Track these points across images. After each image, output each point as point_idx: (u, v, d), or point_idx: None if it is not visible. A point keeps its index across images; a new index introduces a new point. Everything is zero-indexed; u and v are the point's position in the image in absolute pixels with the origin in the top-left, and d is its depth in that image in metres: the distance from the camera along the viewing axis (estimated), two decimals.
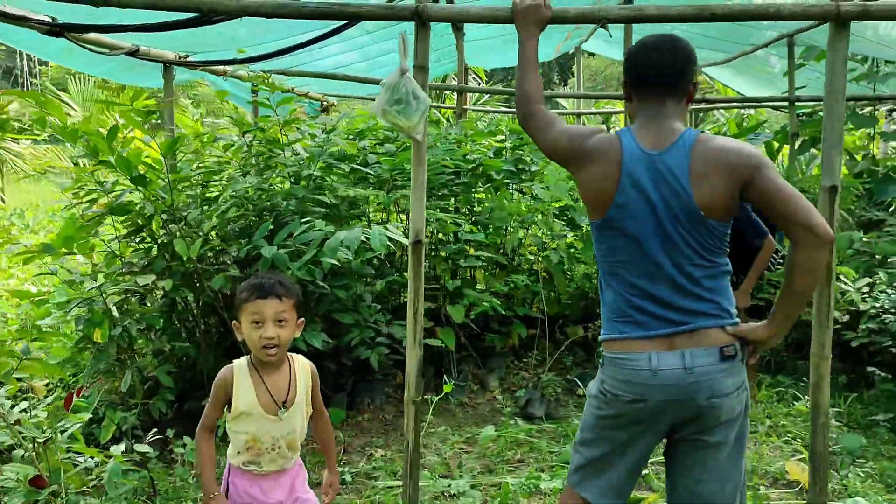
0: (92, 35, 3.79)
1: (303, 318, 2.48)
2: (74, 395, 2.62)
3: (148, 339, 4.40)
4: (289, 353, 2.49)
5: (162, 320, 4.23)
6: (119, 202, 3.98)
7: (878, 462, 4.04)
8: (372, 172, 4.89)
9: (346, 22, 3.84)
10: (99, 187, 4.06)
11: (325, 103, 9.82)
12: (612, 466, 2.40)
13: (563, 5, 2.70)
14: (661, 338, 2.26)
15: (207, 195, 4.69)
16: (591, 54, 9.37)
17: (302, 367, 2.51)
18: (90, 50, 3.86)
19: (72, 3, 2.68)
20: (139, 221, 4.16)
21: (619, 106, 12.27)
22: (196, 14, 2.82)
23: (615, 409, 2.34)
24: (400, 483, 3.70)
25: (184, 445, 3.45)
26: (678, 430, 2.33)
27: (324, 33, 4.20)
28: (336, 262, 4.17)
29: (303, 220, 4.08)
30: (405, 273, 5.45)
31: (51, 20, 3.47)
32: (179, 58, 4.80)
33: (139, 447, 2.93)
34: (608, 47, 9.23)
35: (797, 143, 7.46)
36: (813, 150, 8.17)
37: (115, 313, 3.79)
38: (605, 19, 2.72)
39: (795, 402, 4.86)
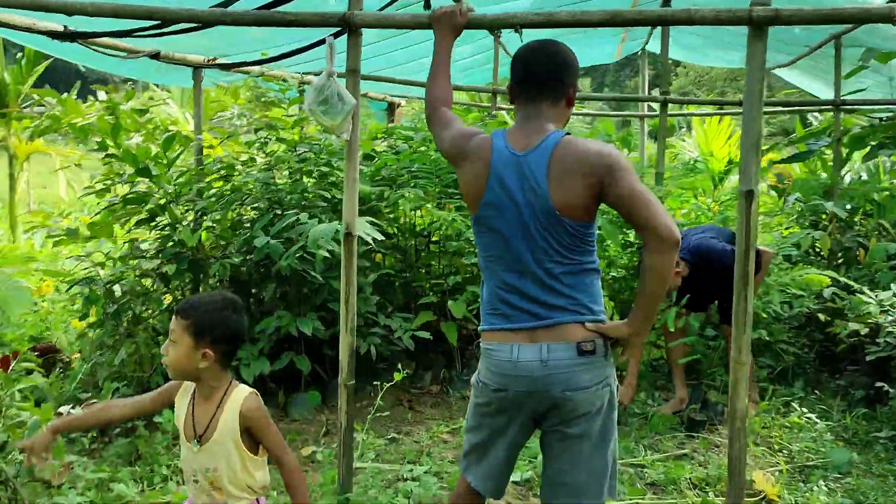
0: (106, 39, 4.19)
1: (209, 351, 2.22)
2: (12, 359, 2.94)
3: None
4: (235, 384, 2.33)
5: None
6: (132, 192, 4.37)
7: (860, 479, 3.90)
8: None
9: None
10: (117, 178, 4.48)
11: (391, 103, 10.12)
12: (490, 453, 2.51)
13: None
14: (524, 330, 2.36)
15: (233, 188, 5.05)
16: (654, 54, 9.19)
17: (234, 403, 2.27)
18: (106, 54, 4.26)
19: (46, 11, 3.03)
20: (154, 210, 4.55)
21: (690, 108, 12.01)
22: (157, 21, 3.12)
23: (486, 398, 2.46)
24: (360, 466, 3.92)
25: (161, 414, 3.78)
26: (542, 421, 2.42)
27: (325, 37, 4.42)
28: (328, 255, 4.41)
29: (286, 213, 4.35)
30: (418, 267, 5.66)
31: (63, 28, 3.88)
32: (208, 61, 5.18)
33: (63, 409, 3.26)
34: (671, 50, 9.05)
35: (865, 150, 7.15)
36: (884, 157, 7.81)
37: (118, 292, 4.19)
38: (520, 25, 2.82)
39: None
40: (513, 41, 7.39)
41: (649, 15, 2.76)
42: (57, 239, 4.53)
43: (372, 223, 4.04)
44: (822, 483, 3.80)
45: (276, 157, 5.00)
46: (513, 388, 2.36)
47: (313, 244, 4.11)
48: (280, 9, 2.98)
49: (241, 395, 2.29)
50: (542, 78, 2.40)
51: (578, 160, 2.27)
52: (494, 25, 2.84)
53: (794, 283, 4.96)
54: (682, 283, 4.60)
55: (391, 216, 5.46)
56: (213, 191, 4.91)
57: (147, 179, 4.29)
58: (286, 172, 5.15)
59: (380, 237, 4.06)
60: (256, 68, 5.60)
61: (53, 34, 3.86)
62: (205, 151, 5.27)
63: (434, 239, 5.78)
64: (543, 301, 2.34)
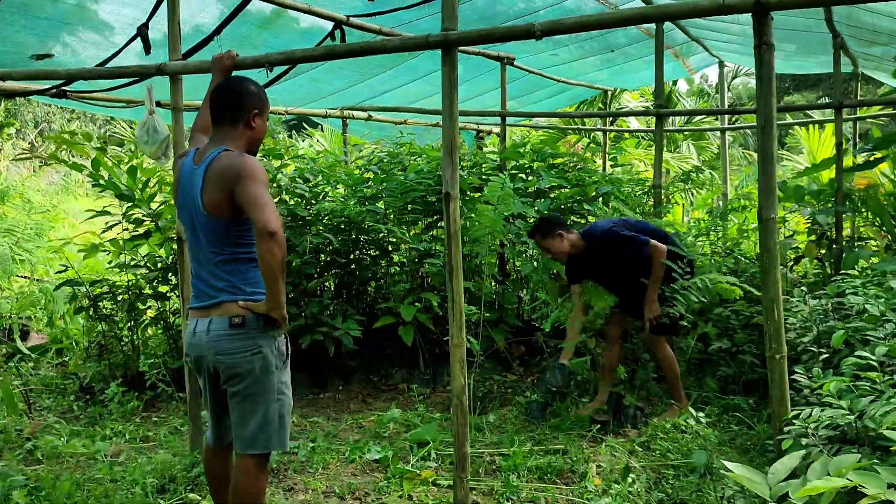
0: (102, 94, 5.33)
1: None
2: None
3: None
4: None
5: None
6: (124, 215, 5.50)
7: (702, 479, 3.92)
8: None
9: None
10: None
11: (479, 132, 10.80)
12: (208, 409, 3.16)
13: None
14: (202, 308, 3.00)
15: None
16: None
17: None
18: (112, 107, 5.42)
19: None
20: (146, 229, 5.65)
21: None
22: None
23: (189, 364, 3.11)
24: None
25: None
26: (219, 382, 3.01)
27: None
28: None
29: None
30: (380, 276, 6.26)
31: (55, 87, 5.06)
32: None
33: None
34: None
35: None
36: None
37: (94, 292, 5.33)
38: (269, 63, 3.45)
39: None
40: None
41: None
42: (85, 253, 5.77)
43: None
44: (640, 481, 3.90)
45: None
46: (192, 354, 3.02)
47: None
48: (113, 64, 3.87)
49: None
50: (220, 106, 3.02)
51: (220, 170, 2.86)
52: (254, 65, 3.46)
53: (711, 289, 4.88)
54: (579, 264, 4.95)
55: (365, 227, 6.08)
56: None
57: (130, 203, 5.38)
58: None
59: None
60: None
61: (50, 93, 5.07)
62: None
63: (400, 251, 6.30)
64: (212, 284, 2.96)
